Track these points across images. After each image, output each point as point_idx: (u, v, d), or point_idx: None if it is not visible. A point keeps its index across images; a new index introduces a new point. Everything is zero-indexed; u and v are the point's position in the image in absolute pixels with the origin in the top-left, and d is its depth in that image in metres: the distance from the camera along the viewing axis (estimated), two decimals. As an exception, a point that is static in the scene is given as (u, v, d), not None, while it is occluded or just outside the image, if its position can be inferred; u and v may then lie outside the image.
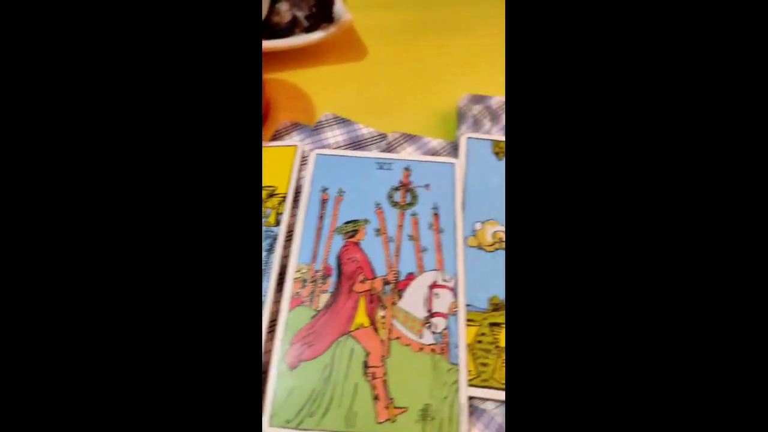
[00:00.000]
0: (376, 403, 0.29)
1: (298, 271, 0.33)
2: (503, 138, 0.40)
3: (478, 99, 0.43)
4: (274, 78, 0.45)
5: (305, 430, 0.28)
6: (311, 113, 0.43)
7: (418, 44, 0.49)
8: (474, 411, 0.30)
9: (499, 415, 0.29)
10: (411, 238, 0.34)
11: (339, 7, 0.46)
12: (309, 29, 0.45)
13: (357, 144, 0.40)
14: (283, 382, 0.29)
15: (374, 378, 0.29)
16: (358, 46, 0.49)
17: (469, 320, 0.32)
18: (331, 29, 0.44)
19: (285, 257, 0.34)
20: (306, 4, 0.45)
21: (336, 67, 0.47)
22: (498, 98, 0.43)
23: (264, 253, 0.34)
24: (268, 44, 0.44)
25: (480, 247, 0.35)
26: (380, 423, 0.28)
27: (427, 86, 0.45)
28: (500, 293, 0.33)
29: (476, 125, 0.41)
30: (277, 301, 0.32)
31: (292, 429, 0.28)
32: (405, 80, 0.46)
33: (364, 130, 0.41)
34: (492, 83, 0.45)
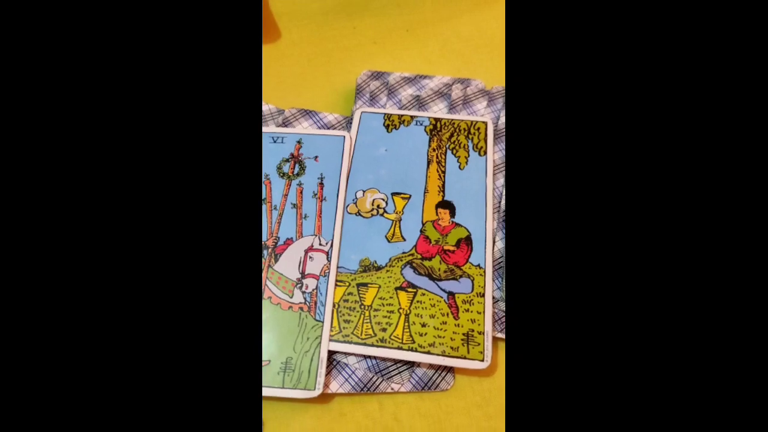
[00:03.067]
0: (242, 356, 0.30)
1: (185, 238, 0.34)
2: (395, 111, 0.40)
3: (377, 75, 0.43)
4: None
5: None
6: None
7: (330, 26, 0.48)
8: (336, 364, 0.30)
9: (360, 369, 0.30)
10: (294, 206, 0.35)
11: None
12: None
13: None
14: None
15: (243, 334, 0.30)
16: (273, 29, 0.48)
17: (338, 281, 0.32)
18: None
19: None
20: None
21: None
22: (396, 74, 0.43)
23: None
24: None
25: (359, 214, 0.35)
26: (244, 374, 0.29)
27: (335, 65, 0.45)
28: (371, 256, 0.33)
29: (372, 100, 0.41)
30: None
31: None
32: (315, 60, 0.46)
33: (264, 107, 0.41)
34: (395, 60, 0.45)
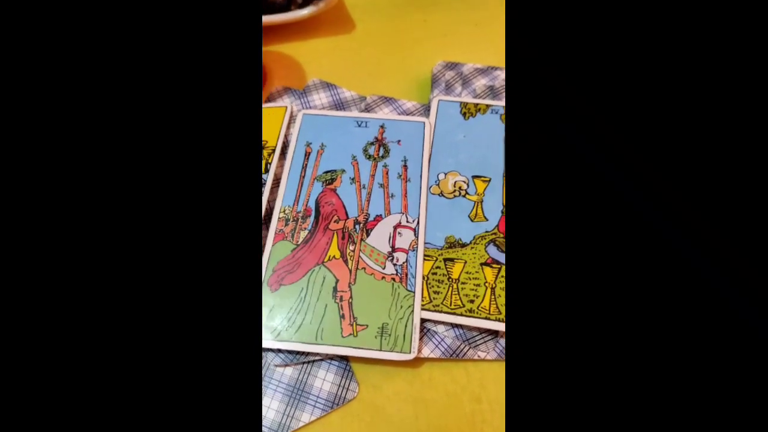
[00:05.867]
0: (342, 320, 0.31)
1: (282, 211, 0.35)
2: (471, 100, 0.40)
3: (451, 66, 0.44)
4: (271, 50, 0.46)
5: (282, 341, 0.30)
6: (303, 80, 0.44)
7: (402, 18, 0.49)
8: (426, 332, 0.31)
9: (448, 337, 0.31)
10: (381, 185, 0.36)
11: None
12: (303, 5, 0.46)
13: (339, 105, 0.41)
14: (265, 302, 0.31)
15: (341, 300, 0.31)
16: (348, 21, 0.49)
17: (426, 255, 0.33)
18: (321, 5, 0.45)
19: (272, 200, 0.36)
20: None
21: (327, 39, 0.47)
22: (469, 65, 0.43)
23: (253, 197, 0.35)
24: (266, 19, 0.45)
25: (441, 195, 0.36)
26: (344, 337, 0.30)
27: (407, 55, 0.46)
28: (455, 233, 0.34)
29: (448, 89, 0.42)
30: (263, 236, 0.34)
31: (271, 340, 0.30)
32: (389, 50, 0.46)
33: (347, 94, 0.42)
34: (465, 52, 0.45)
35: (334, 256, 0.33)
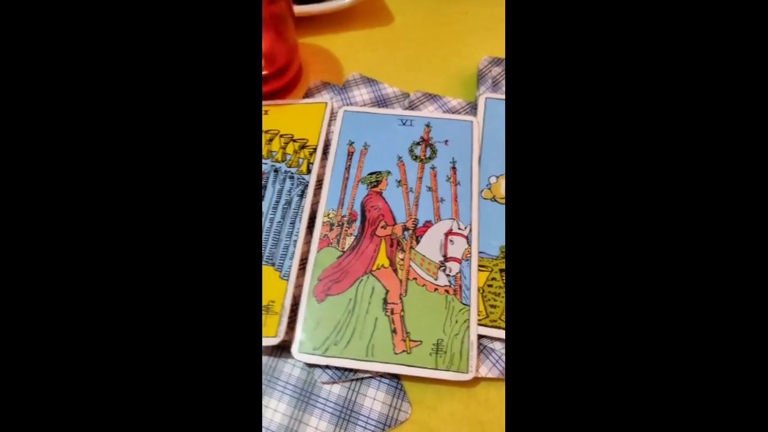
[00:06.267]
0: (393, 335, 0.28)
1: (326, 215, 0.33)
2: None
3: (498, 61, 0.41)
4: (306, 42, 0.44)
5: (330, 356, 0.28)
6: (340, 74, 0.42)
7: (442, 10, 0.46)
8: (483, 350, 0.29)
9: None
10: (430, 189, 0.33)
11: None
12: (339, -5, 0.43)
13: (382, 102, 0.39)
14: (311, 314, 0.29)
15: (392, 313, 0.29)
16: (385, 13, 0.46)
17: (480, 266, 0.31)
18: (359, -6, 0.43)
19: (315, 203, 0.33)
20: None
21: (364, 32, 0.45)
22: (517, 62, 0.41)
23: (296, 198, 0.33)
24: (300, 9, 0.42)
25: (494, 200, 0.33)
26: (397, 354, 0.28)
27: (449, 50, 0.43)
28: (512, 242, 0.32)
29: (495, 86, 0.39)
30: (307, 242, 0.32)
31: (318, 356, 0.28)
32: (429, 44, 0.44)
33: (389, 90, 0.39)
34: (511, 48, 0.43)
35: (382, 265, 0.31)
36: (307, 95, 0.39)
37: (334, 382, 0.28)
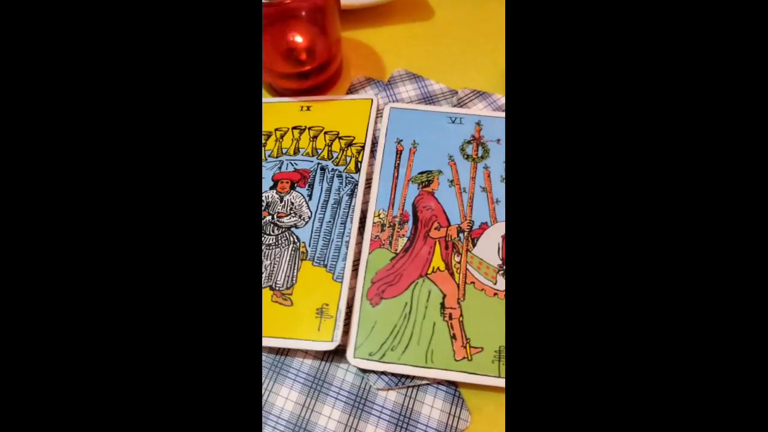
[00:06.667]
0: (453, 341, 0.27)
1: (377, 216, 0.31)
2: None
3: (545, 59, 0.40)
4: (345, 36, 0.43)
5: (387, 362, 0.27)
6: (382, 70, 0.40)
7: (484, 6, 0.45)
8: (544, 354, 0.28)
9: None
10: (484, 189, 0.32)
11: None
12: (380, -12, 0.42)
13: (428, 99, 0.37)
14: (366, 318, 0.28)
15: (451, 318, 0.28)
16: (425, 7, 0.45)
17: (540, 269, 0.30)
18: (402, -12, 0.41)
19: (365, 203, 0.32)
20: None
21: (404, 26, 0.44)
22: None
23: (345, 198, 0.32)
24: (343, 2, 0.41)
25: (550, 201, 0.32)
26: (458, 360, 0.27)
27: (493, 45, 0.42)
28: (571, 245, 0.30)
29: (544, 84, 0.38)
30: (358, 243, 0.31)
31: (375, 361, 0.27)
32: (473, 40, 0.42)
33: (435, 86, 0.38)
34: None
35: (438, 268, 0.29)
36: (350, 91, 0.38)
37: (390, 389, 0.27)
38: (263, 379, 0.28)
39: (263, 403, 0.27)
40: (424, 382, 0.27)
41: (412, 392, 0.27)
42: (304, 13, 0.36)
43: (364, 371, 0.28)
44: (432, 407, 0.27)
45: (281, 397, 0.27)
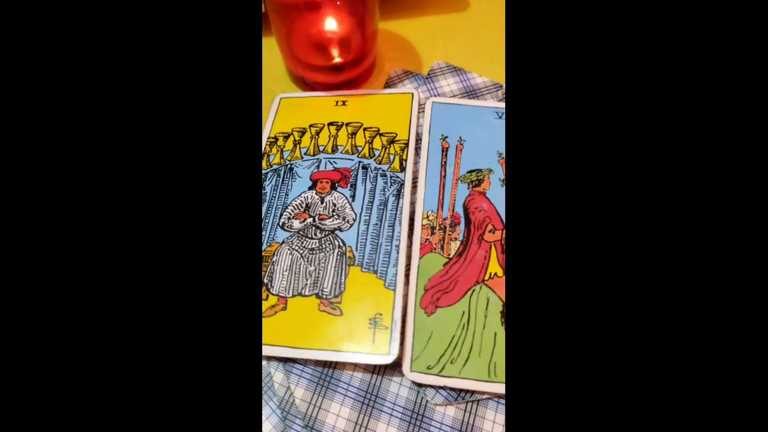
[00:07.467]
0: (516, 353, 0.25)
1: (426, 218, 0.29)
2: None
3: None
4: (379, 27, 0.40)
5: (446, 377, 0.25)
6: (419, 63, 0.38)
7: (519, -4, 0.43)
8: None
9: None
10: (537, 189, 0.30)
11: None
12: (414, -23, 0.40)
13: (471, 93, 0.35)
14: (421, 328, 0.26)
15: (513, 328, 0.26)
16: (459, -2, 0.43)
17: (604, 274, 0.28)
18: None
19: (411, 203, 0.30)
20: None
21: (438, 17, 0.41)
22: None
23: (392, 198, 0.30)
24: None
25: (608, 201, 0.30)
26: (522, 373, 0.25)
27: (533, 38, 0.40)
28: (634, 248, 0.29)
29: (591, 78, 0.36)
30: (408, 247, 0.29)
31: (434, 375, 0.25)
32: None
33: (478, 79, 0.36)
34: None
35: (496, 274, 0.27)
36: (387, 85, 0.36)
37: (448, 404, 0.25)
38: (311, 394, 0.26)
39: (312, 420, 0.25)
40: (484, 396, 0.25)
41: (472, 407, 0.25)
42: (339, 2, 0.34)
43: (420, 385, 0.26)
44: (494, 423, 0.25)
45: (332, 414, 0.25)
